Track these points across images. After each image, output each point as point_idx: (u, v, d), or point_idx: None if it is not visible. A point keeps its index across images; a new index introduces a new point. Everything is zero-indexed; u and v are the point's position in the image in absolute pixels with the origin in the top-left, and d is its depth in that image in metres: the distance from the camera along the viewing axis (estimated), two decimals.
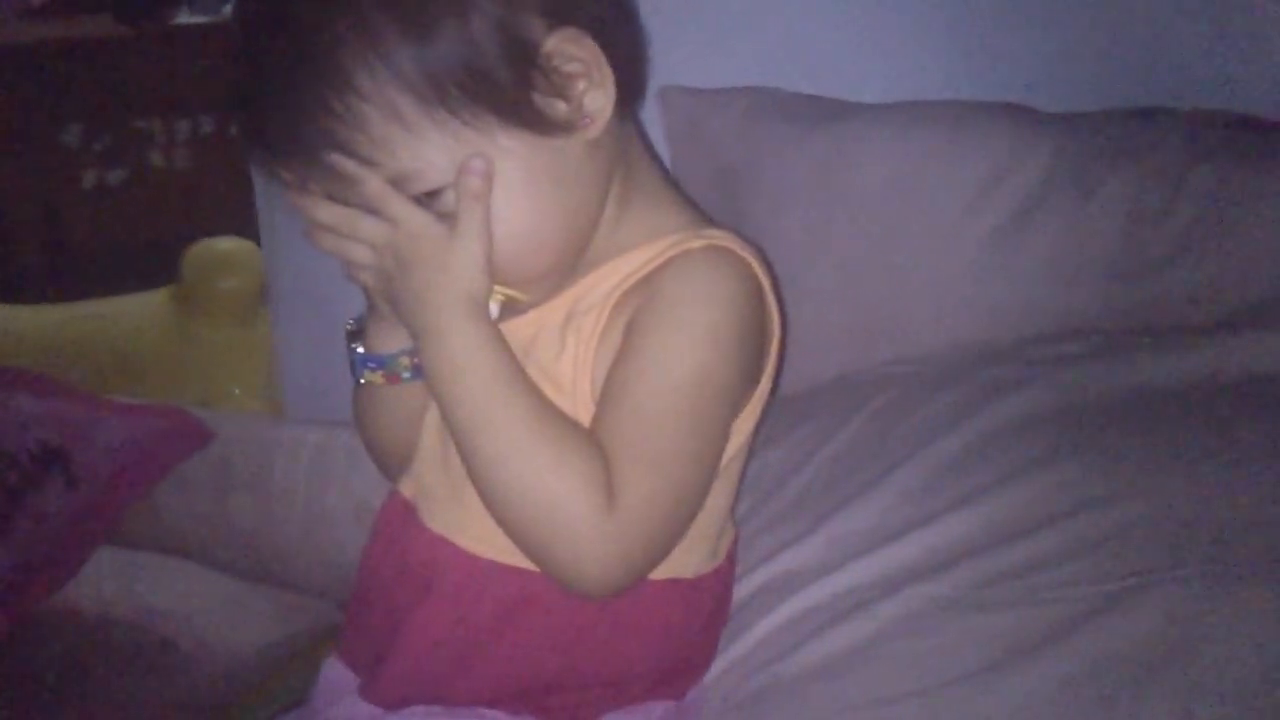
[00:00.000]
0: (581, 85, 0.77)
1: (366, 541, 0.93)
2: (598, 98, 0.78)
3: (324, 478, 1.35)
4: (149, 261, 2.03)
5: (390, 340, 0.87)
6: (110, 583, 1.30)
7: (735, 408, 0.82)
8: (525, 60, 0.75)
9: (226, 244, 1.91)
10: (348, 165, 0.75)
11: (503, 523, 0.79)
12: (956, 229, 1.09)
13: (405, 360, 0.88)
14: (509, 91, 0.75)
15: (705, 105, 1.21)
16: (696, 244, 0.80)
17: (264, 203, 1.50)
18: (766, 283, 0.82)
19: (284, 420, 1.56)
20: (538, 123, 0.76)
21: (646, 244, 0.81)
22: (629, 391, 0.78)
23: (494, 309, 0.81)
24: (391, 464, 0.94)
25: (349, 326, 0.91)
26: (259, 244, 1.63)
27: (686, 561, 0.86)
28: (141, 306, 1.97)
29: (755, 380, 0.84)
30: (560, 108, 0.77)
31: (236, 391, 1.81)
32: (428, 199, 0.76)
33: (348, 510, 1.31)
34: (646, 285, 0.80)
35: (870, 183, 1.11)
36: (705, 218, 0.87)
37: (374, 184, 0.76)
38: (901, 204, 1.11)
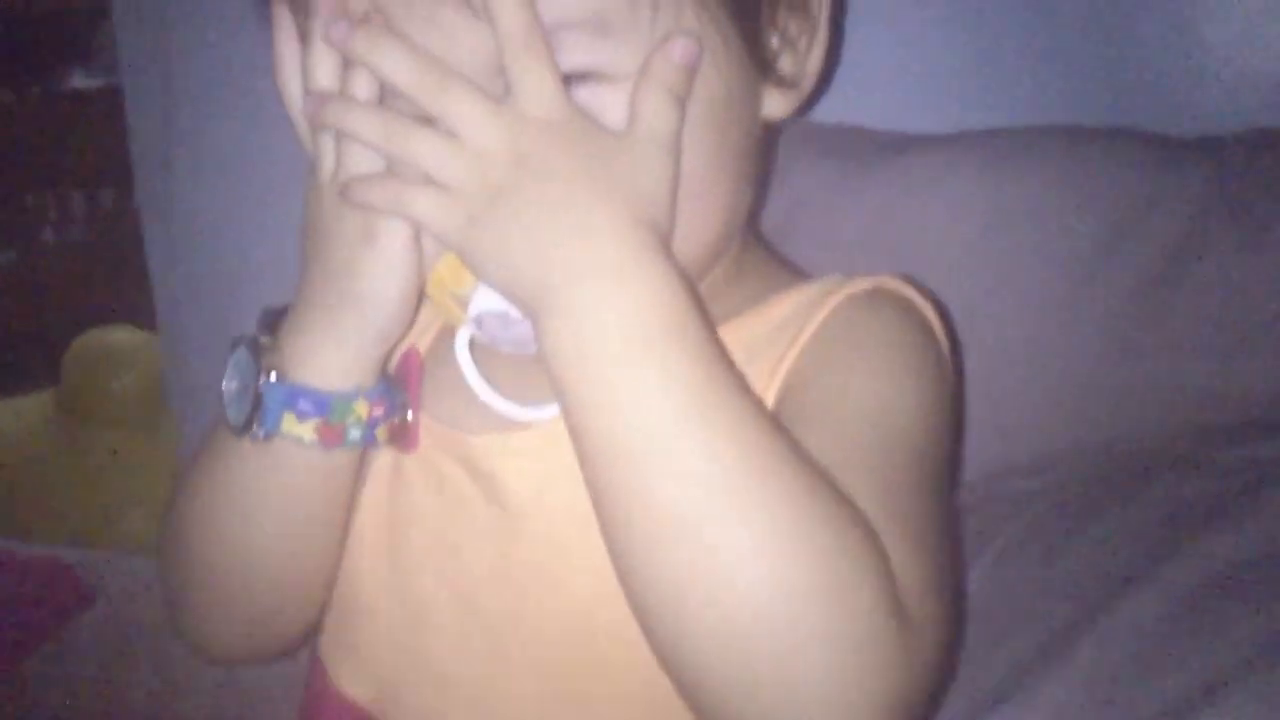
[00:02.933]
0: (805, 32, 0.65)
1: None
2: (813, 60, 0.65)
3: None
4: (34, 358, 1.93)
5: (339, 365, 0.62)
6: None
7: (948, 466, 0.64)
8: None
9: (117, 335, 1.75)
10: None
11: (688, 648, 0.52)
12: (1076, 288, 0.86)
13: (362, 407, 0.61)
14: None
15: None
16: (861, 287, 0.65)
17: (162, 279, 1.31)
18: (942, 333, 0.67)
19: None
20: (755, 38, 0.62)
21: (775, 298, 0.65)
22: (846, 454, 0.57)
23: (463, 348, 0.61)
24: (252, 623, 0.69)
25: (257, 338, 0.63)
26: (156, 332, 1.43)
27: None
28: (20, 412, 1.80)
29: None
30: (775, 40, 0.64)
31: (134, 512, 1.62)
32: (579, 83, 0.57)
33: (277, 685, 1.03)
34: (797, 340, 0.63)
35: (947, 231, 0.89)
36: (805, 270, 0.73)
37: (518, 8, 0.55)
38: (994, 258, 0.88)
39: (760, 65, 0.63)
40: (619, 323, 0.54)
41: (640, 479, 0.53)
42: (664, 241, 0.56)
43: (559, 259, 0.54)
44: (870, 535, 0.53)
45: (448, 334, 0.65)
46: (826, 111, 0.88)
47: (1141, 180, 0.85)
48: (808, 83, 0.66)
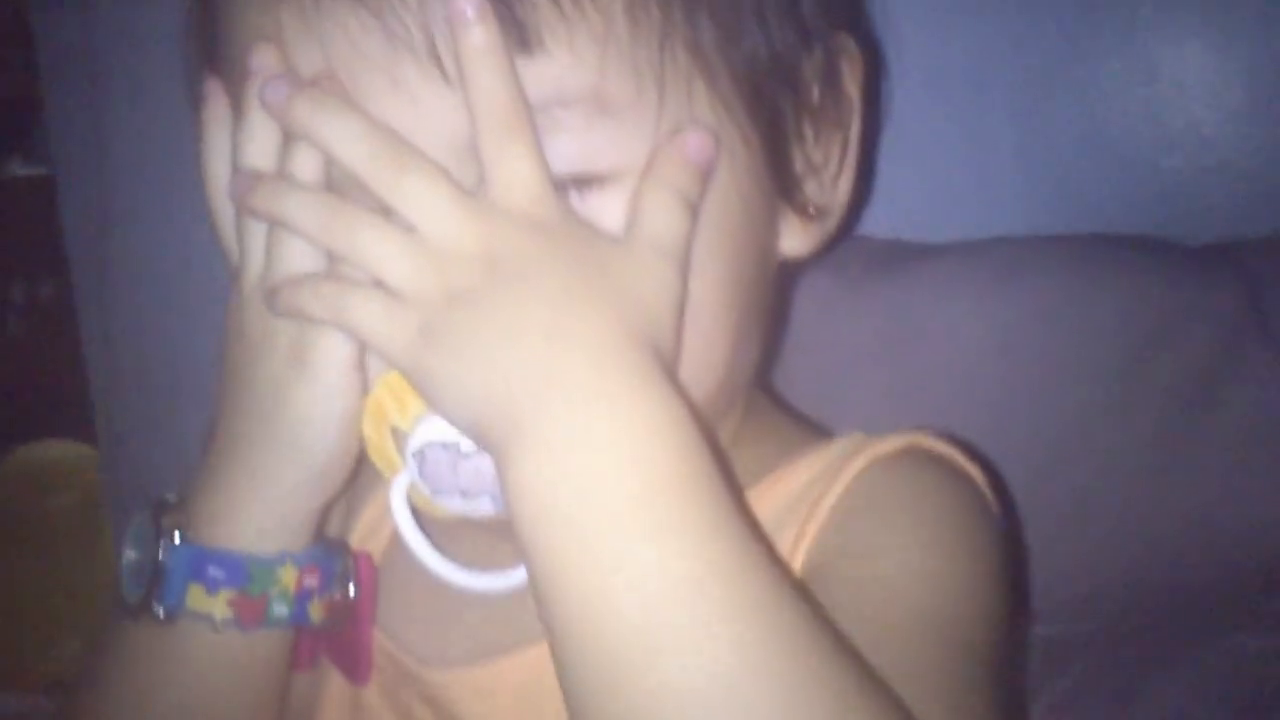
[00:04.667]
0: (835, 152, 0.57)
1: None
2: (843, 188, 0.58)
3: None
4: None
5: (260, 522, 0.52)
6: None
7: (1004, 639, 0.54)
8: (804, 43, 0.54)
9: (54, 450, 1.68)
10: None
11: None
12: (1097, 414, 0.79)
13: (288, 575, 0.52)
14: (774, 65, 0.53)
15: None
16: (888, 447, 0.56)
17: (101, 385, 1.24)
18: (987, 488, 0.59)
19: None
20: (780, 147, 0.54)
21: (790, 463, 0.57)
22: (880, 650, 0.47)
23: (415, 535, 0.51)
24: None
25: (163, 498, 0.54)
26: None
27: None
28: None
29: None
30: (800, 160, 0.56)
31: (72, 644, 1.52)
32: (568, 187, 0.49)
33: None
34: (815, 514, 0.54)
35: (953, 350, 0.83)
36: (825, 429, 0.66)
37: (500, 78, 0.47)
38: (1004, 380, 0.81)
39: (782, 185, 0.55)
40: (607, 463, 0.44)
41: (638, 684, 0.42)
42: (666, 366, 0.47)
43: (532, 380, 0.45)
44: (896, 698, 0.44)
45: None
46: None
47: (1166, 294, 0.79)
48: (835, 214, 0.58)
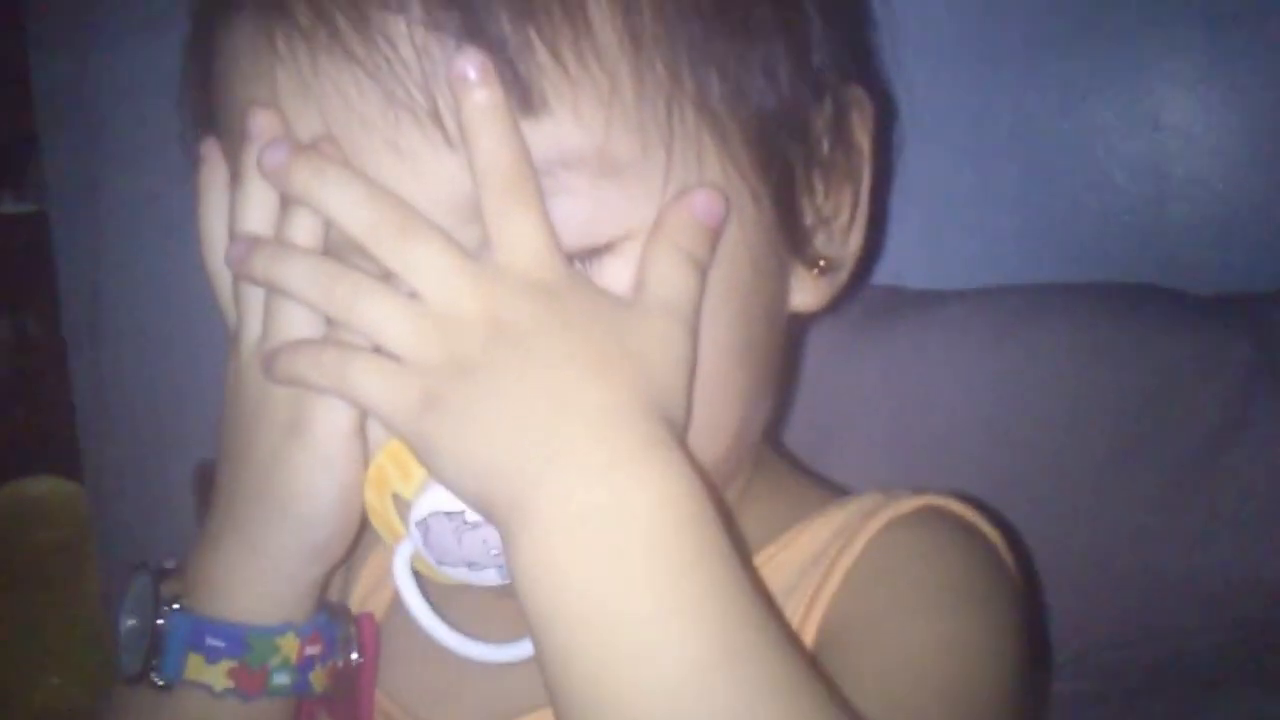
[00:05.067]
0: (846, 204, 0.56)
1: None
2: (854, 241, 0.57)
3: None
4: None
5: (260, 591, 0.52)
6: None
7: (1022, 704, 0.53)
8: (814, 98, 0.54)
9: (39, 486, 1.65)
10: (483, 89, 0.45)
11: None
12: (1106, 465, 0.78)
13: (290, 644, 0.51)
14: (784, 122, 0.52)
15: None
16: (905, 508, 0.55)
17: (88, 422, 1.25)
18: (1004, 549, 0.58)
19: None
20: (790, 203, 0.53)
21: (803, 524, 0.56)
22: (892, 709, 0.48)
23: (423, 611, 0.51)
24: None
25: (161, 564, 0.54)
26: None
27: None
28: None
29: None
30: (810, 214, 0.55)
31: (55, 681, 1.52)
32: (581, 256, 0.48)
33: None
34: (831, 576, 0.53)
35: (960, 400, 0.82)
36: (840, 486, 0.65)
37: (505, 142, 0.46)
38: (1013, 420, 0.80)
39: (792, 239, 0.54)
40: (614, 548, 0.43)
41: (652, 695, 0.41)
42: (678, 436, 0.46)
43: (536, 455, 0.43)
44: None
45: None
46: None
47: (1177, 345, 0.78)
48: (846, 266, 0.57)
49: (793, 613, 0.52)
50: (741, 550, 0.45)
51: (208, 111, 0.53)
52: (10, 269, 2.20)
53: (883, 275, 0.88)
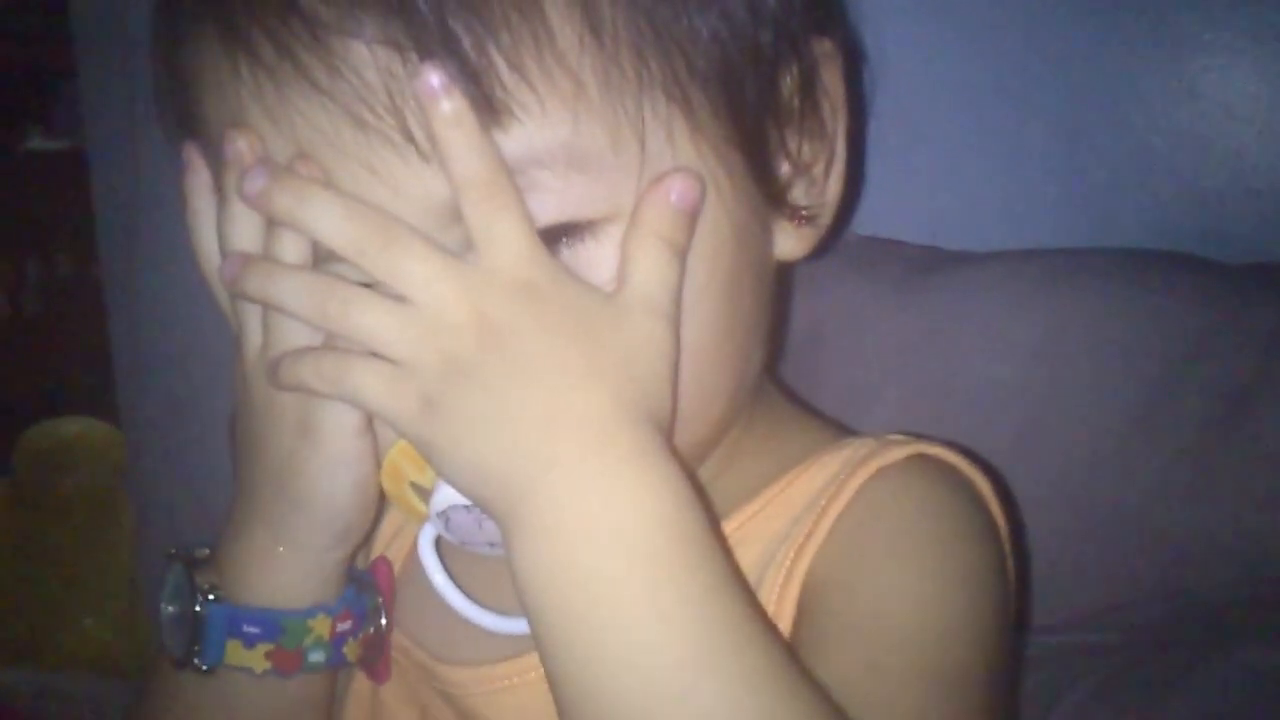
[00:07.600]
0: (823, 153, 0.56)
1: None
2: (832, 188, 0.57)
3: None
4: None
5: (290, 578, 0.55)
6: None
7: (1004, 658, 0.56)
8: (780, 58, 0.53)
9: (73, 426, 1.65)
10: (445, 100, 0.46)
11: None
12: (1131, 426, 0.78)
13: (322, 625, 0.53)
14: (752, 89, 0.52)
15: None
16: (895, 455, 0.57)
17: (126, 367, 1.24)
18: (993, 498, 0.59)
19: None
20: (764, 167, 0.53)
21: (794, 473, 0.58)
22: (877, 679, 0.50)
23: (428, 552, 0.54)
24: None
25: (193, 552, 0.56)
26: (117, 425, 1.37)
27: None
28: None
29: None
30: (786, 167, 0.55)
31: (87, 622, 1.53)
32: (557, 239, 0.49)
33: None
34: (817, 529, 0.55)
35: (987, 362, 0.83)
36: (837, 423, 0.67)
37: (478, 153, 0.47)
38: (1040, 392, 0.81)
39: (771, 198, 0.55)
40: (606, 542, 0.45)
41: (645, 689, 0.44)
42: (663, 434, 0.48)
43: (530, 456, 0.46)
44: None
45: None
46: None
47: (1203, 310, 0.78)
48: (826, 214, 0.58)
49: (783, 560, 0.54)
50: (726, 546, 0.48)
51: (185, 115, 0.54)
52: (38, 209, 2.22)
53: (917, 238, 0.89)
